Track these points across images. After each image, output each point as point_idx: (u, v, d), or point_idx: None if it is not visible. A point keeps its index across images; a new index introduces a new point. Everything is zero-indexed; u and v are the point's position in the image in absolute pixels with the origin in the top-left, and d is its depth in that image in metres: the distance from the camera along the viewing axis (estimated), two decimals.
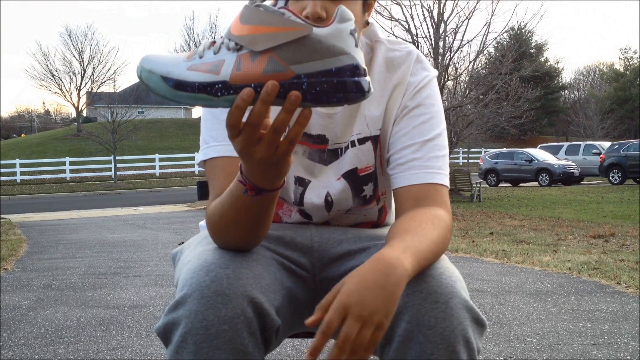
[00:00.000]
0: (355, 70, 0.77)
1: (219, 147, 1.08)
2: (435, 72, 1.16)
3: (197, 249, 1.03)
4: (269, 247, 1.07)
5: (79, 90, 39.35)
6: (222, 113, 1.09)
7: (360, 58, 0.78)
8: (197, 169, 30.40)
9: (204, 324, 0.87)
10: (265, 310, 0.92)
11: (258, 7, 0.76)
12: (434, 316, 0.89)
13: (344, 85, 0.76)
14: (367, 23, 1.11)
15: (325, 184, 1.15)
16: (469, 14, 11.86)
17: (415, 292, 0.91)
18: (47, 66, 38.71)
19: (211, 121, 1.10)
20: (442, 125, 1.13)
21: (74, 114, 44.02)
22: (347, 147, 1.15)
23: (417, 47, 11.53)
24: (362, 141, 1.15)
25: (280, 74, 0.76)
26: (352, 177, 1.15)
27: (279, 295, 0.99)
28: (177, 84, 0.79)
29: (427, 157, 1.08)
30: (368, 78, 0.79)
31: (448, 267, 0.98)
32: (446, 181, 1.09)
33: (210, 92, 0.78)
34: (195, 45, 42.86)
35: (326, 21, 1.00)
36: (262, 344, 0.92)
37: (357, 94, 0.77)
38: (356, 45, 0.77)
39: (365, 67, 0.79)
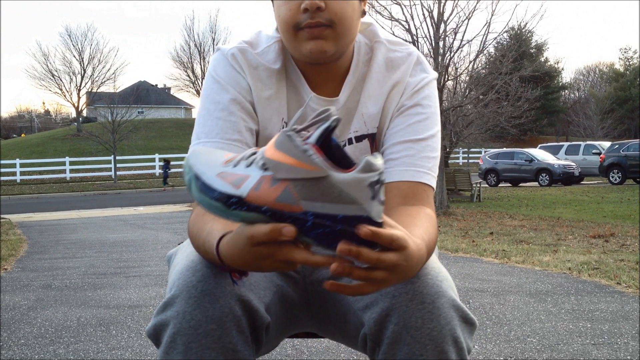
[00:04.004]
0: (367, 222, 0.75)
1: (209, 144, 1.07)
2: (435, 74, 1.16)
3: (186, 251, 1.04)
4: None
5: (79, 90, 39.35)
6: (215, 110, 1.09)
7: (375, 211, 0.76)
8: None
9: (192, 324, 0.88)
10: (254, 307, 0.91)
11: (289, 137, 0.78)
12: (420, 317, 0.89)
13: (346, 235, 0.75)
14: (364, 13, 1.11)
15: None
16: (469, 14, 11.85)
17: (401, 294, 0.91)
18: (47, 66, 38.72)
19: (204, 117, 1.10)
20: (437, 128, 1.13)
21: (74, 114, 44.06)
22: (344, 145, 1.15)
23: (417, 47, 11.53)
24: (359, 139, 1.15)
25: (290, 206, 0.77)
26: None
27: (269, 292, 0.99)
28: (203, 188, 0.82)
29: (419, 156, 1.08)
30: (391, 229, 0.78)
31: (434, 267, 0.96)
32: (433, 183, 1.09)
33: (226, 203, 0.80)
34: (196, 46, 42.85)
35: (323, 11, 1.01)
36: (252, 342, 0.92)
37: (359, 244, 0.76)
38: (373, 198, 0.76)
39: (383, 221, 0.77)
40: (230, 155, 0.87)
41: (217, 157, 0.86)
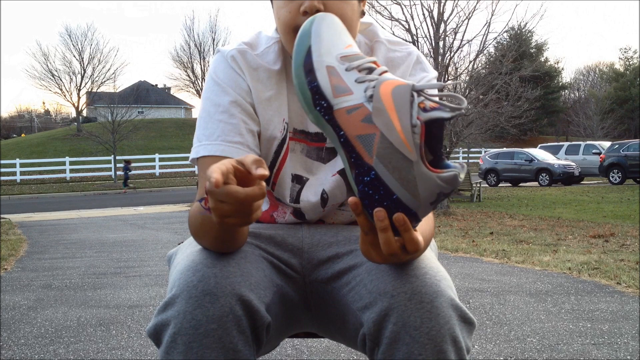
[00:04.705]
0: (410, 215, 0.78)
1: (210, 146, 1.07)
2: (435, 74, 1.16)
3: (187, 251, 1.04)
4: (259, 246, 1.07)
5: (79, 90, 39.36)
6: (216, 112, 1.09)
7: (424, 213, 0.79)
8: (197, 169, 30.39)
9: (193, 324, 0.88)
10: (255, 307, 0.91)
11: (411, 99, 0.77)
12: (419, 316, 0.89)
13: (388, 211, 0.78)
14: (363, 13, 1.12)
15: (322, 182, 1.15)
16: (469, 14, 11.87)
17: (400, 294, 0.91)
18: (47, 66, 38.75)
19: (205, 120, 1.10)
20: None
21: (74, 114, 44.07)
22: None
23: (417, 47, 11.54)
24: None
25: (363, 150, 0.77)
26: None
27: (269, 292, 0.99)
28: (308, 66, 0.80)
29: None
30: (417, 233, 0.81)
31: (432, 267, 0.97)
32: None
33: (314, 99, 0.79)
34: (196, 46, 42.84)
35: (326, 11, 1.01)
36: (252, 342, 0.92)
37: (394, 230, 0.79)
38: (432, 203, 0.78)
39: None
40: (351, 47, 0.83)
41: (339, 43, 0.83)
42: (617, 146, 20.39)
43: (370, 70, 0.81)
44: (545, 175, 21.16)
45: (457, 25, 11.97)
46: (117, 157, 27.38)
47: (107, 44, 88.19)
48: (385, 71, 0.83)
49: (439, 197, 0.77)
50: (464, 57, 19.70)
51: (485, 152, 26.41)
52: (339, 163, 1.15)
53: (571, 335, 2.89)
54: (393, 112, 0.76)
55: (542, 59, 43.78)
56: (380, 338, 0.91)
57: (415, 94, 0.77)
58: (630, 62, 55.82)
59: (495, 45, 20.80)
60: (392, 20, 11.84)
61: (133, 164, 26.38)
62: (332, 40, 0.83)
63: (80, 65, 39.30)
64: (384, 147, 0.76)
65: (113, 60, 66.17)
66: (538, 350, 2.68)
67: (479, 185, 15.41)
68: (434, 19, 11.67)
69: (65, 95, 42.14)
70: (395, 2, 11.66)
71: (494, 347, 2.74)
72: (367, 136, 0.77)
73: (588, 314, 3.31)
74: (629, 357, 2.56)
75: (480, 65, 14.75)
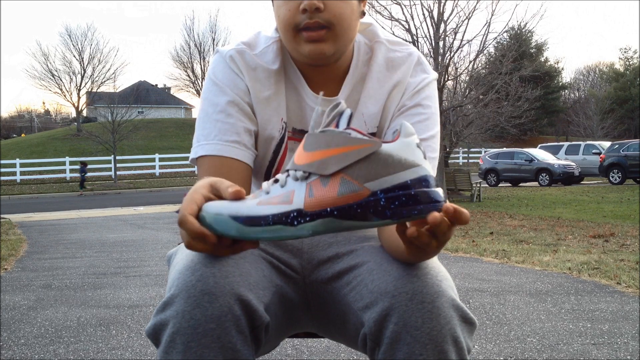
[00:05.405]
0: (428, 181, 0.76)
1: (208, 146, 1.08)
2: (435, 75, 1.16)
3: (186, 250, 1.04)
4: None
5: (79, 90, 39.35)
6: (214, 112, 1.10)
7: (430, 169, 0.78)
8: (196, 169, 30.35)
9: (192, 324, 0.87)
10: (253, 307, 0.91)
11: (322, 132, 0.77)
12: (420, 316, 0.89)
13: (422, 196, 0.75)
14: (363, 13, 1.12)
15: None
16: (469, 14, 11.89)
17: (401, 294, 0.91)
18: (47, 66, 38.74)
19: (203, 120, 1.11)
20: (437, 128, 1.13)
21: (74, 114, 44.06)
22: None
23: (417, 47, 11.55)
24: None
25: (355, 195, 0.75)
26: None
27: (268, 292, 0.98)
28: (248, 220, 0.77)
29: None
30: (440, 189, 0.78)
31: (434, 267, 0.97)
32: None
33: (286, 222, 0.76)
34: (196, 46, 42.88)
35: (322, 12, 1.02)
36: (251, 342, 0.92)
37: (435, 204, 0.76)
38: (425, 157, 0.77)
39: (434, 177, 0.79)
40: (250, 195, 0.82)
41: (239, 201, 0.80)
42: (617, 146, 20.39)
43: (277, 180, 0.81)
44: (545, 175, 21.16)
45: (457, 25, 11.99)
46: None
47: (107, 44, 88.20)
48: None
49: (420, 149, 0.77)
50: (464, 57, 19.77)
51: (485, 152, 26.42)
52: None
53: (571, 335, 2.90)
54: (328, 152, 0.76)
55: (542, 59, 43.76)
56: (381, 338, 0.91)
57: (323, 128, 0.78)
58: (630, 62, 55.79)
59: (495, 45, 20.83)
60: (392, 20, 11.85)
61: (134, 164, 26.33)
62: (232, 203, 0.81)
63: (80, 65, 39.31)
64: (356, 173, 0.75)
65: (113, 60, 66.19)
66: (538, 350, 2.68)
67: (479, 185, 15.41)
68: (434, 19, 11.68)
69: (65, 95, 42.12)
70: (395, 2, 11.68)
71: (494, 347, 2.74)
72: (342, 185, 0.75)
73: (588, 314, 3.32)
74: (629, 357, 2.56)
75: (480, 65, 14.77)
